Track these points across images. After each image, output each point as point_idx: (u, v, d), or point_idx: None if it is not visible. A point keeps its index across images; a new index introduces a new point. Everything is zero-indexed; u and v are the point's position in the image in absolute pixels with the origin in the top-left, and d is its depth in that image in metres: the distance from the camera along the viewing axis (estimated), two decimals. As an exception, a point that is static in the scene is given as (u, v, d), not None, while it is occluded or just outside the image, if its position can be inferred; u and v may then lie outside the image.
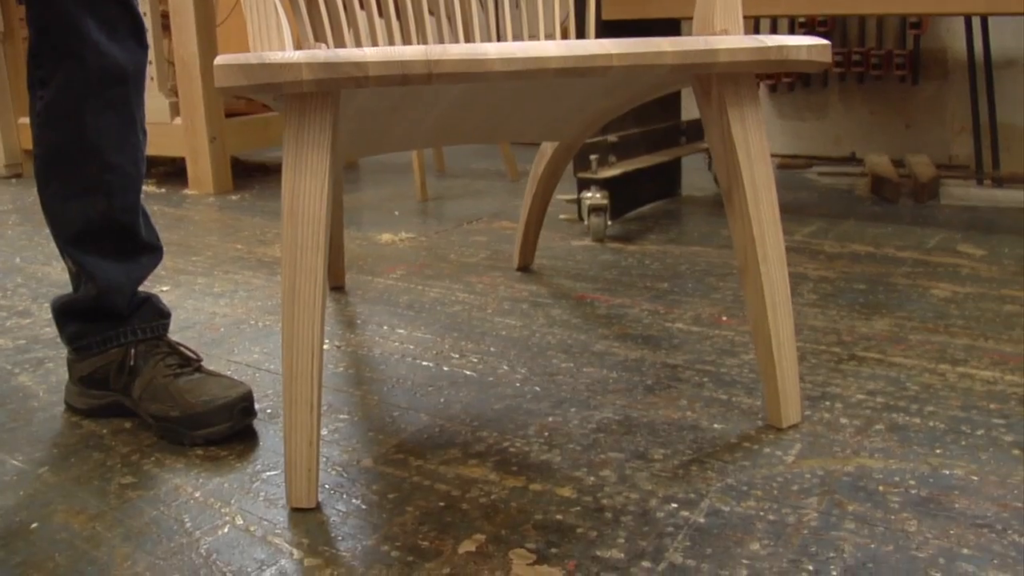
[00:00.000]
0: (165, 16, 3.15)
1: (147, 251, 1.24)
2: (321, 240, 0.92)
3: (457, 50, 0.86)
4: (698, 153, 2.64)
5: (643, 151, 2.44)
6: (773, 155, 3.25)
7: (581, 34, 1.51)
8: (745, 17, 1.18)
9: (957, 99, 2.90)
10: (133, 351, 1.21)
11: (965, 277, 1.79)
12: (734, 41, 0.95)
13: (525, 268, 1.89)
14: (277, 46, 0.93)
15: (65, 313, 1.24)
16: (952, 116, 2.94)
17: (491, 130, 1.45)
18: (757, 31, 3.01)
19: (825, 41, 1.00)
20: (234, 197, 2.96)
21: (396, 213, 2.56)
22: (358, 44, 1.35)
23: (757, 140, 1.04)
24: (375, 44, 1.35)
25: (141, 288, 1.26)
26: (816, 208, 2.45)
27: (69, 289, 1.26)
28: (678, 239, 2.13)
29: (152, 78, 3.13)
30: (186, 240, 2.33)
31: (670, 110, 2.64)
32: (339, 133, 0.93)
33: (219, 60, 0.84)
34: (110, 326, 1.22)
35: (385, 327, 1.58)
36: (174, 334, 1.41)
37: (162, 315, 1.26)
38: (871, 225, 2.24)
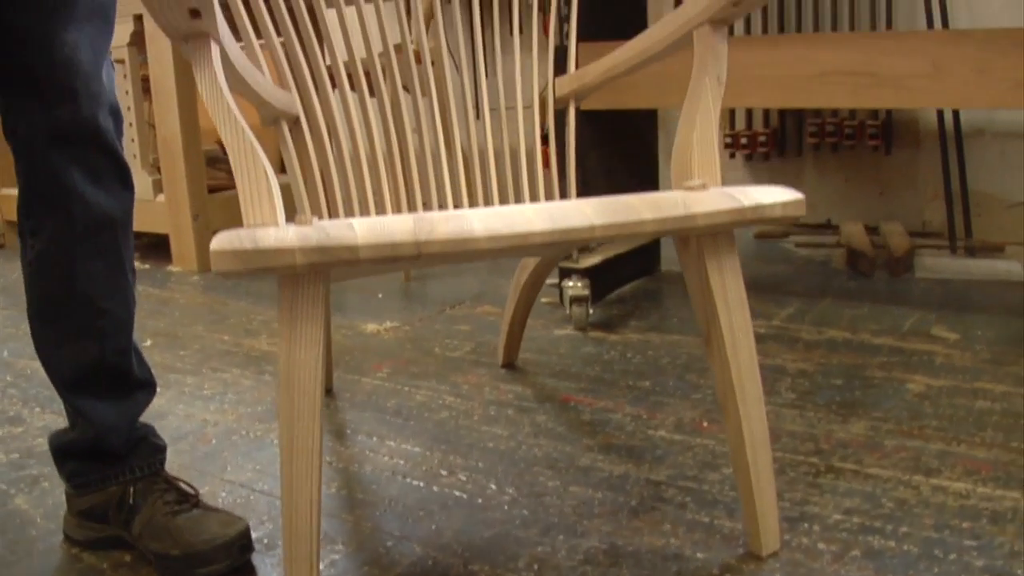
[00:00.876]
0: (146, 80, 3.18)
1: (141, 388, 1.27)
2: (316, 405, 0.95)
3: (444, 228, 0.90)
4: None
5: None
6: (750, 222, 3.31)
7: (561, 120, 1.54)
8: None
9: (929, 167, 2.97)
10: (132, 489, 1.24)
11: (939, 368, 1.83)
12: (711, 203, 1.00)
13: (510, 365, 1.93)
14: (269, 215, 0.97)
15: (63, 452, 1.26)
16: (925, 183, 3.00)
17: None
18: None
19: (799, 195, 1.05)
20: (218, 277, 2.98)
21: (380, 295, 2.60)
22: (341, 168, 1.39)
23: (735, 288, 1.08)
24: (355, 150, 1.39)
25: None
26: (793, 285, 2.50)
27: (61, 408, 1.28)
28: (659, 326, 2.18)
29: (135, 156, 3.16)
30: (172, 329, 2.35)
31: (646, 175, 2.69)
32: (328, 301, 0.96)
33: (215, 245, 0.87)
34: (108, 465, 1.24)
35: (375, 438, 1.60)
36: (167, 445, 1.44)
37: (159, 450, 1.28)
38: (847, 305, 2.29)
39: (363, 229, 0.89)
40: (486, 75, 1.51)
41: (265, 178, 0.98)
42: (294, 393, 0.94)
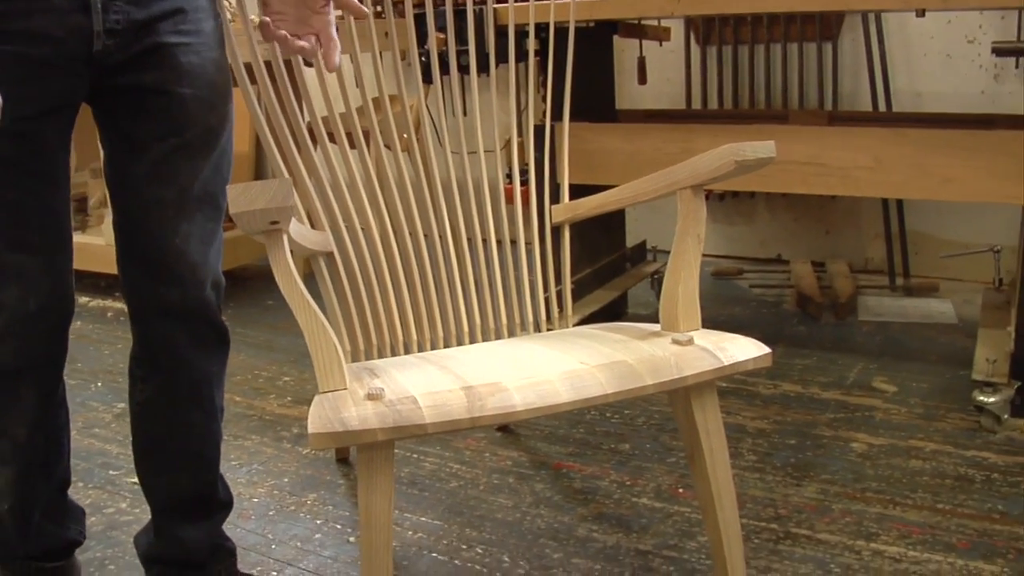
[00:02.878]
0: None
1: (223, 508, 1.49)
2: (389, 540, 1.18)
3: (492, 404, 1.13)
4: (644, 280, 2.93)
5: (596, 286, 2.73)
6: (707, 255, 3.57)
7: (554, 195, 1.75)
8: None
9: (870, 209, 3.25)
10: None
11: (879, 424, 2.11)
12: (698, 363, 1.24)
13: (504, 428, 2.16)
14: (339, 381, 1.19)
15: (150, 558, 1.48)
16: (867, 224, 3.29)
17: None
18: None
19: (766, 350, 1.30)
20: (214, 320, 3.17)
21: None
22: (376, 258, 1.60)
23: (714, 420, 1.33)
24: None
25: None
26: (750, 331, 2.75)
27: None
28: (632, 380, 2.43)
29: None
30: (186, 388, 2.55)
31: (615, 239, 2.94)
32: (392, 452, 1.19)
33: (313, 428, 1.10)
34: (192, 571, 1.46)
35: (396, 510, 1.84)
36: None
37: (231, 554, 1.50)
38: (798, 354, 2.56)
39: (428, 409, 1.12)
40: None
41: (335, 351, 1.21)
42: (372, 533, 1.17)
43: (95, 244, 3.50)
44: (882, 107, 3.03)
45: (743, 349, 1.30)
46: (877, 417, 2.16)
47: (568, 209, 1.70)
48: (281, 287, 1.20)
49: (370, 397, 1.15)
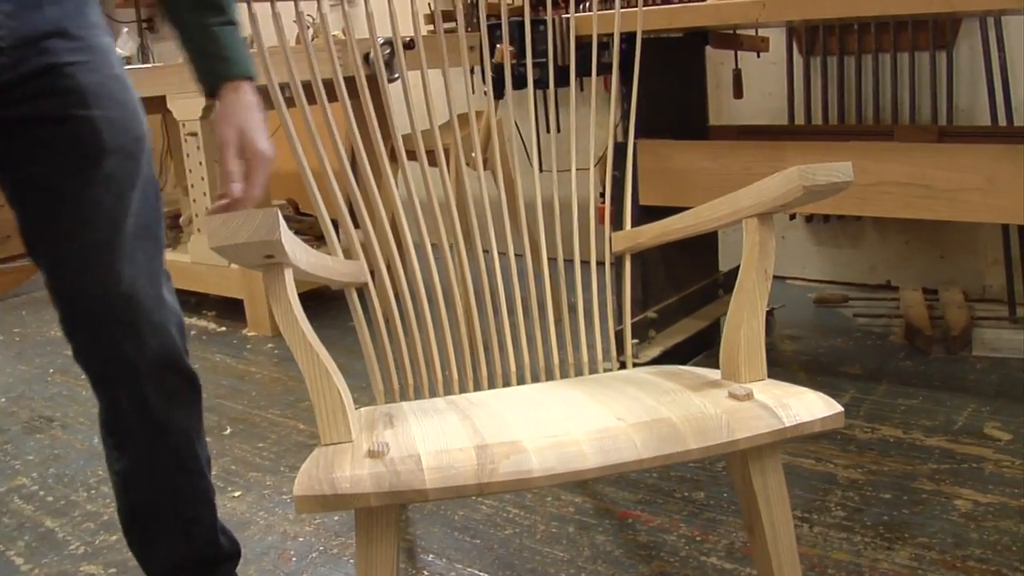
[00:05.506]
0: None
1: (228, 560, 1.39)
2: (390, 617, 1.05)
3: (505, 468, 0.99)
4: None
5: (683, 315, 2.55)
6: (810, 280, 3.35)
7: (618, 220, 1.60)
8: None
9: (990, 232, 2.97)
10: None
11: (988, 479, 1.88)
12: (753, 425, 1.07)
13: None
14: (344, 433, 1.07)
15: None
16: (985, 248, 3.01)
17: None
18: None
19: (838, 409, 1.12)
20: (292, 342, 3.11)
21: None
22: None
23: (776, 487, 1.15)
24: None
25: None
26: (851, 364, 2.54)
27: None
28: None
29: (199, 229, 3.31)
30: (250, 415, 2.48)
31: (706, 264, 2.75)
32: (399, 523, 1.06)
33: (298, 490, 0.98)
34: None
35: (443, 559, 1.71)
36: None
37: None
38: (902, 392, 2.33)
39: (431, 471, 0.98)
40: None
41: (339, 398, 1.08)
42: (371, 608, 1.04)
43: (183, 261, 3.50)
44: (1002, 121, 2.76)
45: (809, 407, 1.12)
46: (987, 470, 1.92)
47: (629, 237, 1.54)
48: (281, 326, 1.09)
49: (371, 454, 1.02)
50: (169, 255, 3.60)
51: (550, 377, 1.51)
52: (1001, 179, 1.87)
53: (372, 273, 1.46)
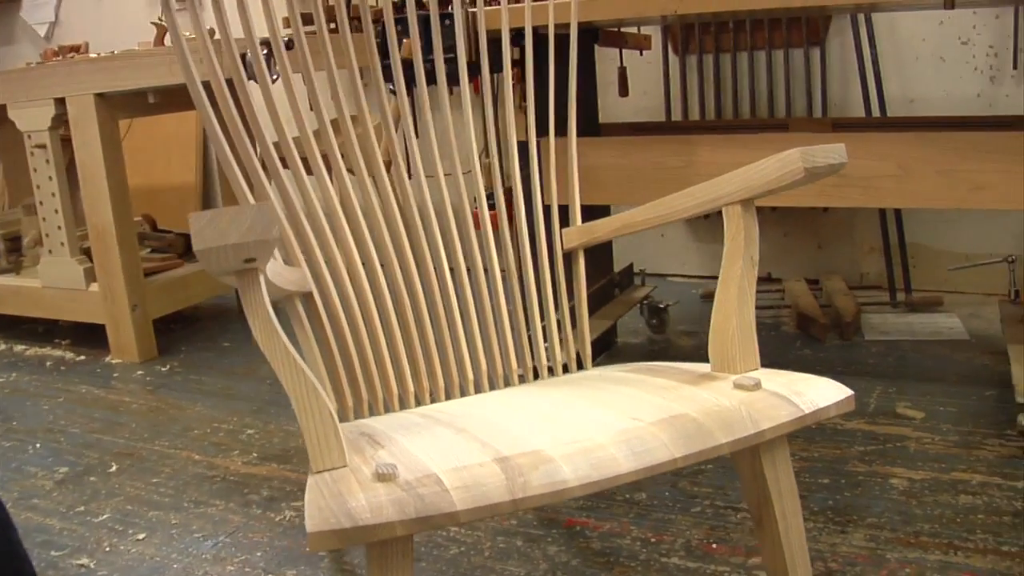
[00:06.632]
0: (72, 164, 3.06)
1: None
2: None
3: (538, 481, 0.90)
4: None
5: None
6: (693, 276, 3.38)
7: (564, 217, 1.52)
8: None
9: (865, 222, 3.07)
10: None
11: (915, 456, 1.91)
12: (775, 414, 1.02)
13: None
14: (338, 458, 0.95)
15: None
16: (861, 237, 3.11)
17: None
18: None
19: (849, 392, 1.08)
20: (163, 368, 2.89)
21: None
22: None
23: (786, 478, 1.11)
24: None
25: None
26: (751, 356, 2.56)
27: None
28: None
29: (63, 243, 3.05)
30: (135, 447, 2.27)
31: (601, 263, 2.72)
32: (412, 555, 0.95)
33: (312, 526, 0.85)
34: None
35: (389, 587, 1.58)
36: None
37: None
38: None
39: (457, 491, 0.89)
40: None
41: (331, 420, 0.97)
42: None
43: (30, 287, 3.20)
44: (875, 113, 2.86)
45: (822, 392, 1.08)
46: (911, 448, 1.96)
47: (583, 232, 1.48)
48: (259, 340, 0.96)
49: (380, 478, 0.91)
50: (14, 280, 3.32)
51: (508, 383, 1.43)
52: (913, 166, 1.91)
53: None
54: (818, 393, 1.07)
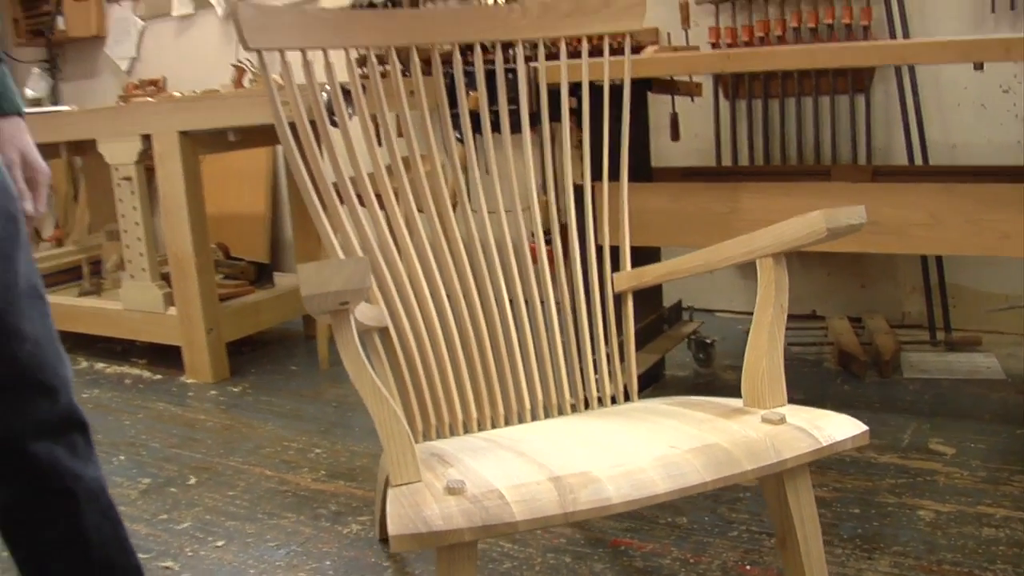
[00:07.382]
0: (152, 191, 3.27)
1: None
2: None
3: (586, 498, 1.05)
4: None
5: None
6: (739, 312, 3.50)
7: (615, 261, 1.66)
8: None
9: (907, 262, 3.18)
10: None
11: (943, 490, 2.02)
12: (796, 445, 1.16)
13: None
14: (413, 473, 1.11)
15: None
16: (904, 277, 3.22)
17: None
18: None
19: (864, 427, 1.22)
20: (235, 389, 3.08)
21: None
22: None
23: (808, 504, 1.25)
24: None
25: None
26: (793, 390, 2.66)
27: None
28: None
29: (144, 269, 3.26)
30: (211, 463, 2.46)
31: (651, 299, 2.85)
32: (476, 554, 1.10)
33: (394, 530, 1.01)
34: None
35: (448, 596, 1.73)
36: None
37: None
38: (847, 414, 2.47)
39: (517, 504, 1.04)
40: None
41: (408, 441, 1.12)
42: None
43: (111, 308, 3.42)
44: (918, 160, 2.97)
45: (840, 427, 1.21)
46: (940, 482, 2.07)
47: (632, 277, 1.63)
48: (349, 371, 1.13)
49: (450, 491, 1.07)
50: (95, 302, 3.54)
51: (562, 412, 1.57)
52: (943, 215, 2.03)
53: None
54: (836, 428, 1.21)
